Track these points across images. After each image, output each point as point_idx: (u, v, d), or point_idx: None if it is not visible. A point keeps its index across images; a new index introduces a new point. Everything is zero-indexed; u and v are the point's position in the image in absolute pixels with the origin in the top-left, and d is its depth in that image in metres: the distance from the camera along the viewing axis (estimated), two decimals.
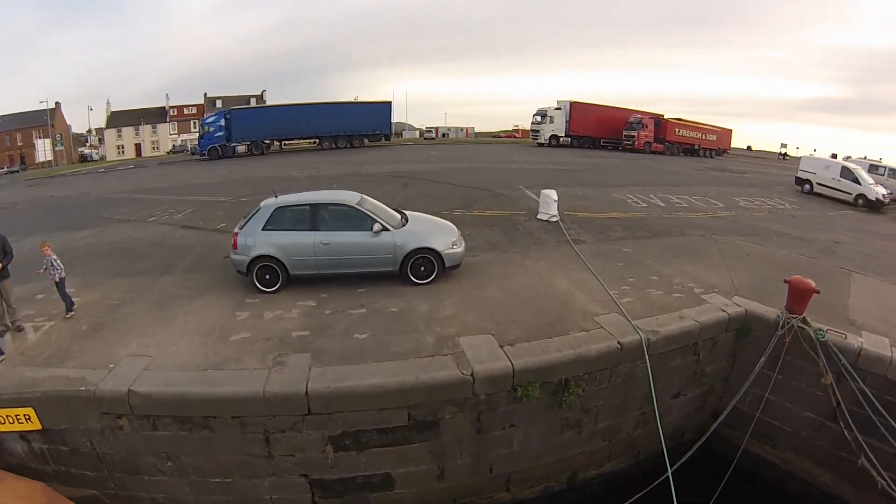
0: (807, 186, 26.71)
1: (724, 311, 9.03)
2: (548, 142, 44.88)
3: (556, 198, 15.04)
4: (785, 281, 8.66)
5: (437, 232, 10.52)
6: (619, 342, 7.91)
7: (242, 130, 37.38)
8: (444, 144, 49.84)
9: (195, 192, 22.10)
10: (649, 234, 14.56)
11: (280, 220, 9.78)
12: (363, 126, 41.15)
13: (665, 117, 48.47)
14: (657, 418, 7.97)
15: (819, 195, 25.80)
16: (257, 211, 10.04)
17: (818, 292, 8.38)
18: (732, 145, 60.87)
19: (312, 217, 9.86)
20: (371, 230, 9.71)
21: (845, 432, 8.02)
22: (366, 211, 9.98)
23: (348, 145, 40.89)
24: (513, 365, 7.25)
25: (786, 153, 72.43)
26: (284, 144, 43.17)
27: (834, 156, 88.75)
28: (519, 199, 17.91)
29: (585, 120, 45.64)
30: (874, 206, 23.99)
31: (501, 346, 7.67)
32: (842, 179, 25.14)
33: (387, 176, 22.15)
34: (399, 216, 10.78)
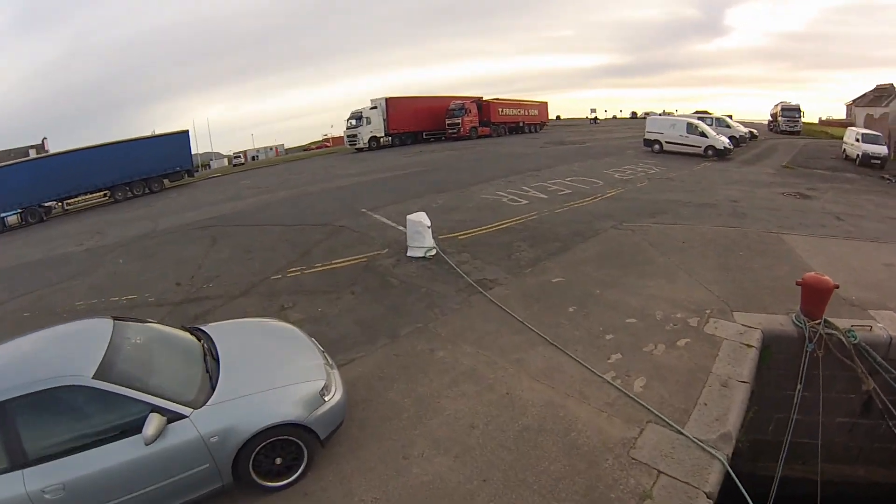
0: (656, 146, 26.79)
1: (749, 344, 6.88)
2: (367, 145, 40.29)
3: (428, 223, 10.42)
4: (798, 283, 7.27)
5: (285, 372, 4.95)
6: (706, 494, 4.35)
7: (7, 195, 26.27)
8: (257, 169, 41.93)
9: None
10: (562, 244, 10.88)
11: None
12: (160, 164, 31.79)
13: (485, 99, 47.26)
14: None
15: (670, 152, 26.06)
16: None
17: (837, 287, 7.10)
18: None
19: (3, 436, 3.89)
20: (143, 429, 3.98)
21: (880, 423, 7.36)
22: (117, 390, 4.06)
23: (146, 191, 31.32)
24: None
25: (596, 117, 78.88)
26: (68, 204, 31.76)
27: (634, 114, 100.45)
28: (371, 230, 12.87)
29: (404, 115, 42.09)
30: (722, 154, 24.72)
31: None
32: (689, 135, 25.73)
33: (190, 229, 15.32)
34: (199, 355, 5.04)
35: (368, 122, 40.02)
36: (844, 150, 27.34)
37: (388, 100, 41.05)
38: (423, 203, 15.02)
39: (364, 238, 12.02)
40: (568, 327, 7.13)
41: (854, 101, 62.57)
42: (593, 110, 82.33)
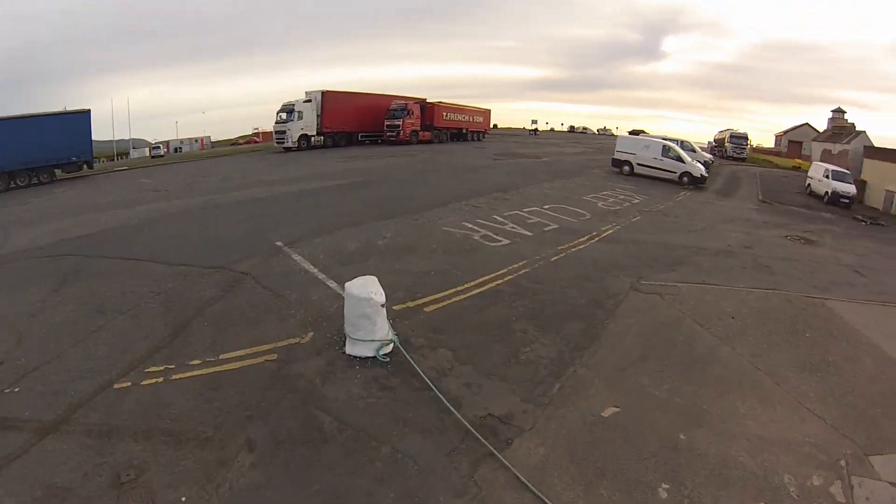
0: (626, 168, 24.44)
1: None
2: (297, 144, 35.29)
3: (381, 298, 6.26)
4: None
5: None
6: None
7: None
8: (169, 165, 35.16)
9: None
10: (584, 323, 7.42)
11: None
12: (52, 151, 24.68)
13: (430, 101, 43.67)
14: None
15: (641, 175, 23.87)
16: None
17: None
18: None
19: None
20: None
21: None
22: None
23: (31, 182, 24.26)
24: None
25: (536, 129, 77.96)
26: None
27: (572, 128, 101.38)
28: (289, 286, 8.37)
29: (341, 112, 37.44)
30: (697, 182, 22.84)
31: None
32: (664, 159, 23.60)
33: (42, 256, 10.20)
34: None
35: (300, 118, 34.94)
36: (809, 185, 26.54)
37: (324, 93, 36.15)
38: (364, 237, 11.07)
39: (276, 303, 7.74)
40: None
41: (785, 131, 65.72)
42: (534, 121, 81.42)
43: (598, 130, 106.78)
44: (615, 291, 8.84)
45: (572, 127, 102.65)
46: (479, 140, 47.70)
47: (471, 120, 46.75)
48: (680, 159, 23.25)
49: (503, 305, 7.89)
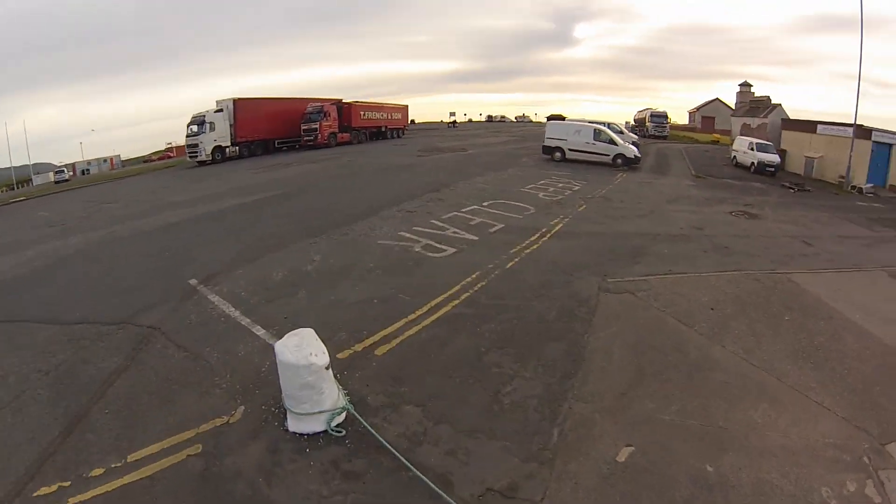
0: (557, 154, 24.00)
1: None
2: (211, 157, 32.67)
3: (325, 360, 4.72)
4: None
5: None
6: None
7: None
8: (77, 190, 30.20)
9: None
10: (562, 344, 6.34)
11: None
12: None
13: (345, 101, 41.85)
14: None
15: (574, 161, 23.48)
16: None
17: None
18: None
19: None
20: None
21: None
22: None
23: None
24: None
25: (455, 121, 77.76)
26: None
27: (490, 117, 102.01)
28: (205, 345, 6.51)
29: (255, 119, 35.05)
30: (631, 163, 22.78)
31: None
32: (596, 142, 23.35)
33: None
34: None
35: (212, 129, 32.27)
36: (735, 157, 27.68)
37: (236, 101, 33.65)
38: (290, 263, 9.48)
39: (195, 368, 5.98)
40: None
41: (698, 108, 68.95)
42: (452, 114, 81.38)
43: (516, 118, 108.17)
44: (585, 296, 7.86)
45: (490, 116, 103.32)
46: (399, 137, 46.53)
47: (389, 117, 45.44)
48: (612, 142, 23.04)
49: (466, 334, 6.60)
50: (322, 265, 9.41)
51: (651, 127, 48.30)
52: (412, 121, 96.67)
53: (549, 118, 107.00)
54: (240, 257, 10.00)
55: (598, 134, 23.40)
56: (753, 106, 35.96)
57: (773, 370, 6.04)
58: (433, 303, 7.53)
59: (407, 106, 55.15)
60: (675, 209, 15.00)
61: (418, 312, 7.21)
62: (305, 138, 36.62)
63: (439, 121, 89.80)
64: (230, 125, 33.19)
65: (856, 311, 8.06)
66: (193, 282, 8.75)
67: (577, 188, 17.50)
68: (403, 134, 48.58)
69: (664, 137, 45.61)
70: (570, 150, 23.52)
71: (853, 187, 22.09)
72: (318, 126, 36.18)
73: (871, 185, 21.93)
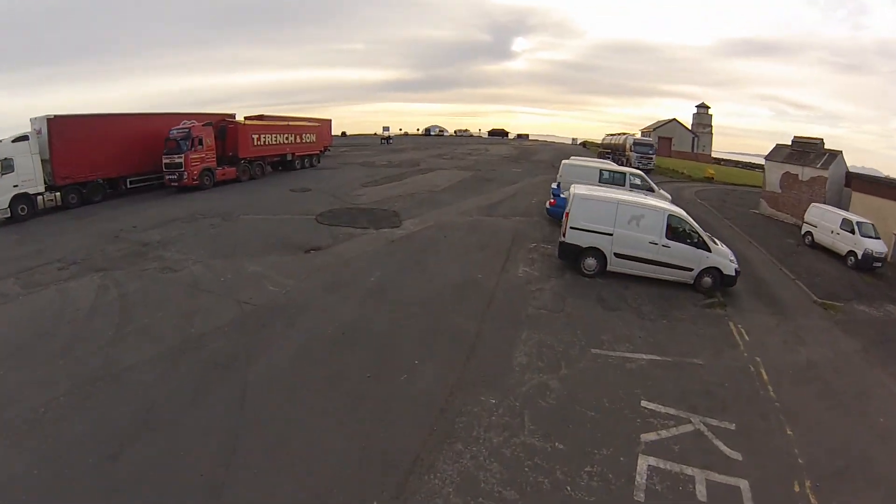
0: (591, 262, 14.61)
1: None
2: (10, 213, 21.46)
3: None
4: None
5: None
6: None
7: None
8: None
9: None
10: None
11: None
12: None
13: (234, 119, 31.24)
14: None
15: (616, 274, 14.57)
16: None
17: None
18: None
19: None
20: None
21: None
22: None
23: None
24: None
25: (390, 136, 69.62)
26: None
27: (428, 130, 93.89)
28: None
29: (88, 149, 23.49)
30: (728, 285, 14.76)
31: None
32: (670, 243, 14.05)
33: None
34: None
35: (10, 169, 21.24)
36: (809, 234, 20.86)
37: (51, 122, 22.54)
38: None
39: None
40: None
41: (654, 127, 63.31)
42: (386, 128, 73.13)
43: (455, 132, 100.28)
44: None
45: (428, 130, 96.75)
46: (313, 166, 36.81)
47: (298, 140, 35.25)
48: (700, 242, 13.91)
49: None
50: None
51: (634, 158, 40.34)
52: (343, 133, 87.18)
53: (492, 133, 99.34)
54: None
55: (674, 226, 13.96)
56: (798, 151, 26.80)
57: None
58: None
59: (329, 121, 45.67)
60: None
61: None
62: (168, 177, 26.39)
63: (373, 133, 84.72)
64: (44, 160, 22.30)
65: None
66: None
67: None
68: (320, 160, 38.62)
69: (649, 171, 37.65)
70: (619, 255, 14.18)
71: None
72: (183, 159, 26.02)
73: None
